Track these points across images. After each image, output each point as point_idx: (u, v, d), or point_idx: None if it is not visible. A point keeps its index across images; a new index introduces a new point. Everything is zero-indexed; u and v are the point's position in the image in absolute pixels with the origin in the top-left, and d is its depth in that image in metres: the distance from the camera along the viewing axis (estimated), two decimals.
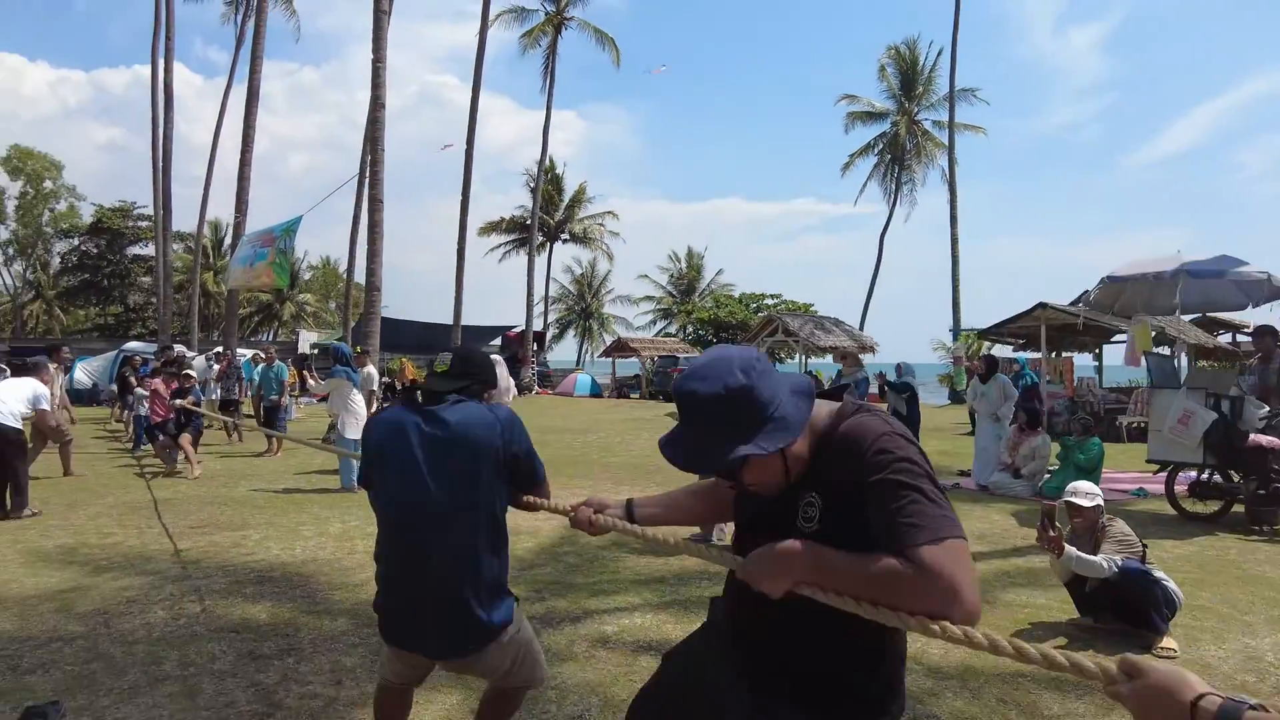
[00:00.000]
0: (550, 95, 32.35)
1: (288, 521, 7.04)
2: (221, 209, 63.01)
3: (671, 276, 51.14)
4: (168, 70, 20.76)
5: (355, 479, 8.59)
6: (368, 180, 12.68)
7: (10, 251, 50.75)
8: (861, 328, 31.62)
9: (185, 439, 9.58)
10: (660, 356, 29.58)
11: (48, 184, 50.11)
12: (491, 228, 48.51)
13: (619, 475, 10.11)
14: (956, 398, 25.54)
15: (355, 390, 8.82)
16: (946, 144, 37.04)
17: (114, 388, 15.71)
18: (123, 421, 13.66)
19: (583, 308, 54.11)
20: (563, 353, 62.75)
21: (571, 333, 55.42)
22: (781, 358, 36.78)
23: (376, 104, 12.81)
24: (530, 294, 34.25)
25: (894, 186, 37.96)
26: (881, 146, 37.93)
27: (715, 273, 51.07)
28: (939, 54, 36.28)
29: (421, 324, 28.36)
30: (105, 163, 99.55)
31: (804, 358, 25.06)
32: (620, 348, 32.35)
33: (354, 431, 8.65)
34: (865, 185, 38.69)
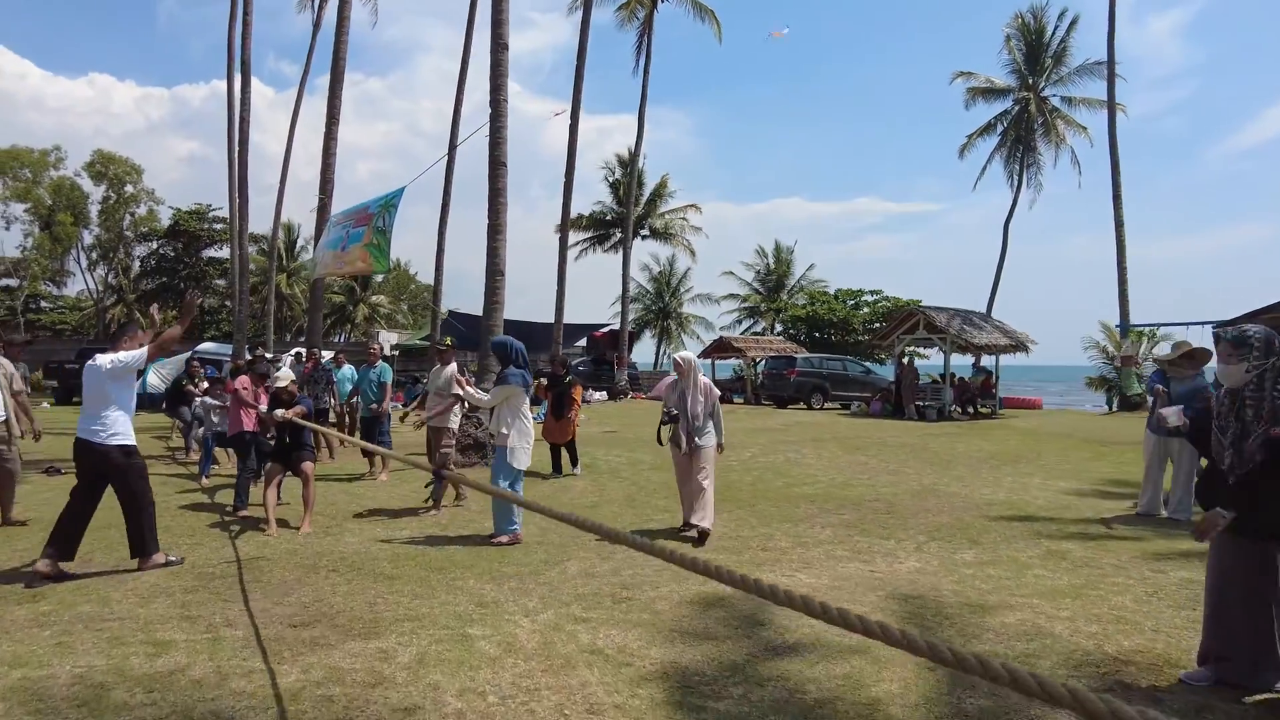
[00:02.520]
0: (646, 74, 29.67)
1: (443, 614, 4.44)
2: (293, 213, 62.27)
3: (758, 273, 48.06)
4: (244, 84, 20.02)
5: (518, 524, 6.01)
6: (489, 141, 10.16)
7: (94, 255, 50.73)
8: None
9: (308, 470, 6.79)
10: (771, 357, 26.64)
11: (129, 188, 49.92)
12: (569, 224, 46.22)
13: (836, 513, 7.34)
14: (1126, 404, 21.98)
15: (528, 401, 6.31)
16: (1079, 122, 33.27)
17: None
18: (185, 444, 11.40)
19: (660, 307, 51.44)
20: (639, 354, 60.37)
21: (649, 333, 52.84)
22: (918, 353, 33.56)
23: (499, 44, 10.31)
24: (626, 291, 31.86)
25: (1018, 169, 34.25)
26: (1005, 126, 34.27)
27: (806, 267, 47.81)
28: (1072, 23, 32.52)
29: (515, 322, 25.84)
30: (185, 173, 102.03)
31: (948, 357, 21.87)
32: (722, 348, 29.48)
33: (525, 459, 6.13)
34: (985, 168, 35.07)
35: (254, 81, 20.53)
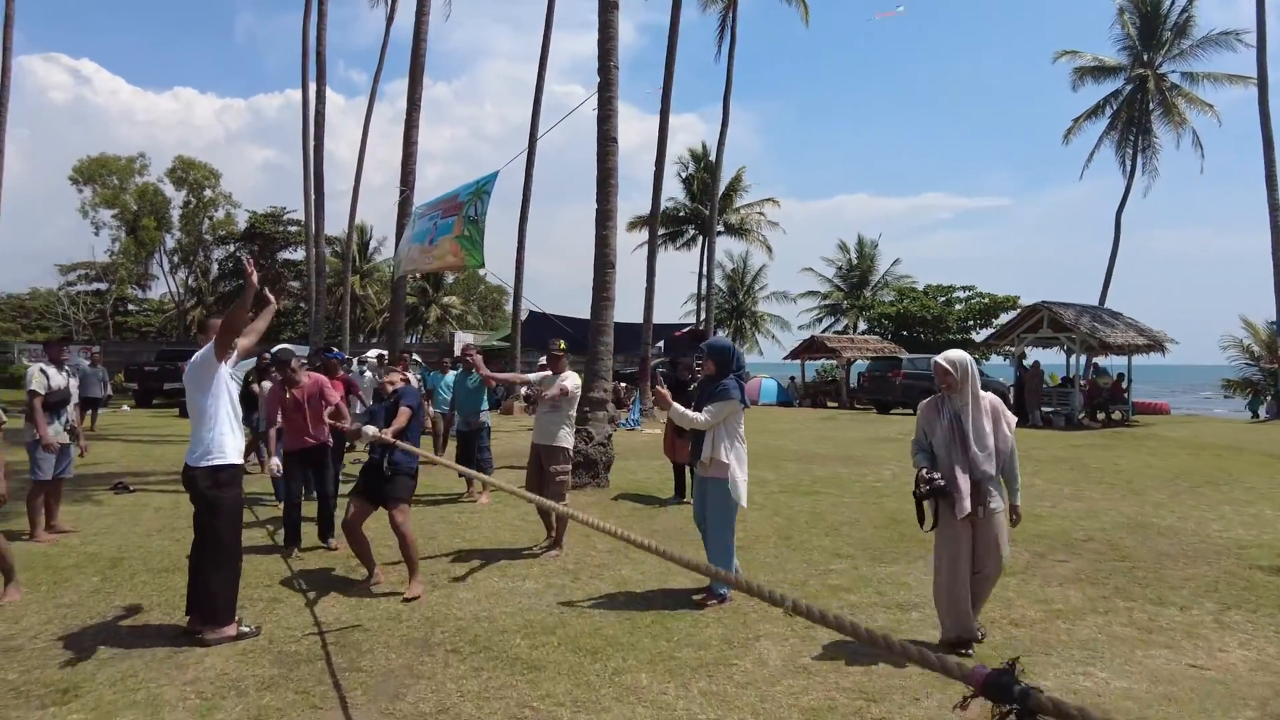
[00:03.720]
0: (731, 57, 27.87)
1: None
2: (366, 215, 62.78)
3: (839, 269, 45.84)
4: (319, 94, 19.87)
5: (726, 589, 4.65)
6: (598, 115, 8.85)
7: (175, 259, 51.70)
8: None
9: (403, 528, 5.01)
10: (873, 358, 24.78)
11: (207, 193, 50.74)
12: (640, 222, 44.94)
13: (1054, 558, 5.73)
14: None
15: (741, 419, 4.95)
16: (1202, 100, 30.33)
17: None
18: (257, 456, 9.33)
19: (734, 305, 49.68)
20: None
21: (722, 332, 51.11)
22: (1021, 349, 31.40)
23: (607, 3, 8.95)
24: (709, 287, 30.49)
25: (1131, 153, 31.46)
26: (1116, 107, 31.52)
27: (891, 262, 45.32)
28: None
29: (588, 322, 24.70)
30: (261, 180, 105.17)
31: (1080, 358, 19.77)
32: (813, 347, 27.70)
33: (744, 491, 4.79)
34: (1094, 153, 32.29)
35: (326, 89, 20.31)
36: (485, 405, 8.40)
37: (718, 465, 4.81)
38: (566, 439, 6.29)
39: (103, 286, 48.74)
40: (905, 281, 43.60)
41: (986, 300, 38.54)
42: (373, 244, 51.71)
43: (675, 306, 57.83)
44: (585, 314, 9.83)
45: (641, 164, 71.83)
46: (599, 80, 9.00)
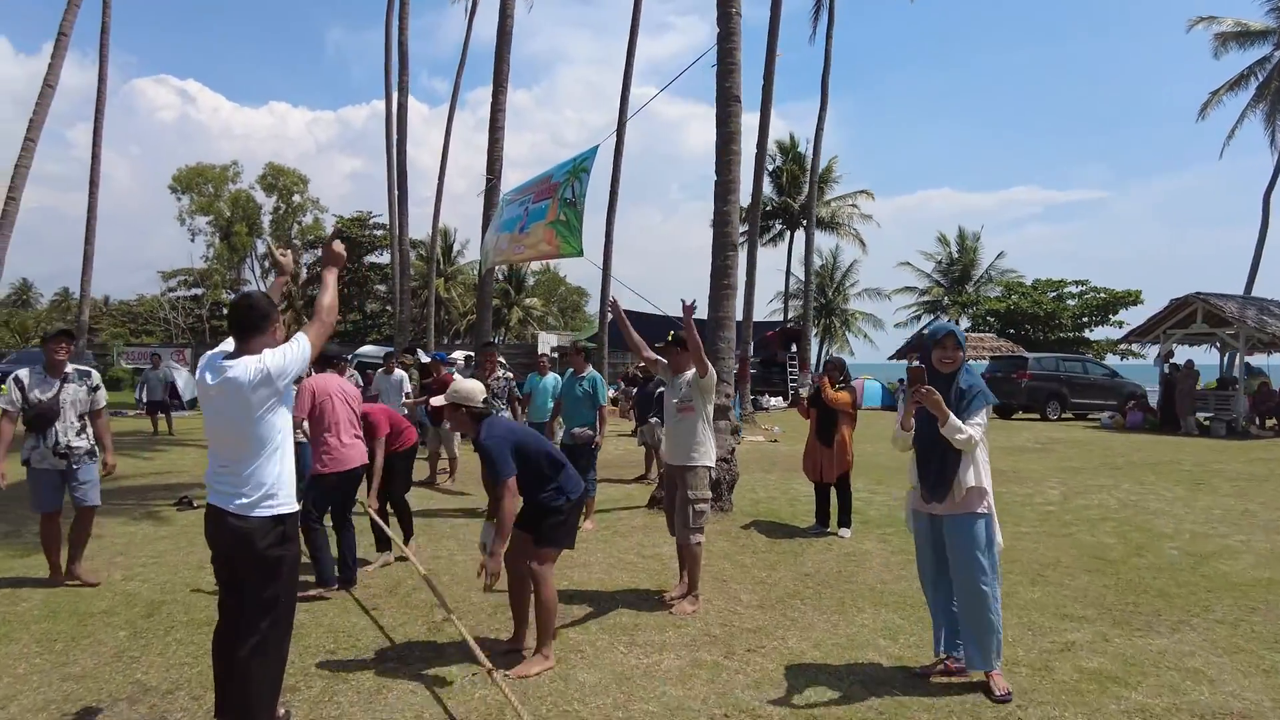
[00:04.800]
0: (829, 38, 25.88)
1: None
2: (449, 219, 63.23)
3: (939, 263, 43.08)
4: (402, 103, 19.82)
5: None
6: (717, 70, 7.47)
7: (266, 264, 52.87)
8: None
9: (546, 591, 3.80)
10: (994, 358, 22.60)
11: (296, 198, 51.75)
12: (758, 211, 43.31)
13: None
14: None
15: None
16: None
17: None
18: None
19: (823, 303, 47.44)
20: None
21: (811, 331, 48.93)
22: (1133, 351, 28.72)
23: None
24: (807, 279, 28.84)
25: None
26: (1264, 76, 28.22)
27: (995, 256, 42.26)
28: None
29: (677, 320, 23.16)
30: (349, 189, 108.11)
31: (1238, 357, 17.30)
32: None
33: (997, 529, 3.43)
34: (1235, 129, 29.01)
35: (409, 98, 20.18)
36: (597, 417, 7.06)
37: (975, 495, 3.45)
38: (704, 453, 4.92)
39: (199, 292, 50.18)
40: (1010, 276, 40.62)
41: (1104, 295, 35.47)
42: (456, 246, 51.77)
43: (760, 305, 55.80)
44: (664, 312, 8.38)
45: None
46: (718, 31, 7.61)
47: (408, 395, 10.14)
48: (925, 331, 4.01)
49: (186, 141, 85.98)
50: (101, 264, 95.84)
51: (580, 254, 8.78)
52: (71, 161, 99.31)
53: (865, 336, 46.37)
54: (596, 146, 9.01)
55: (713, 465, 4.98)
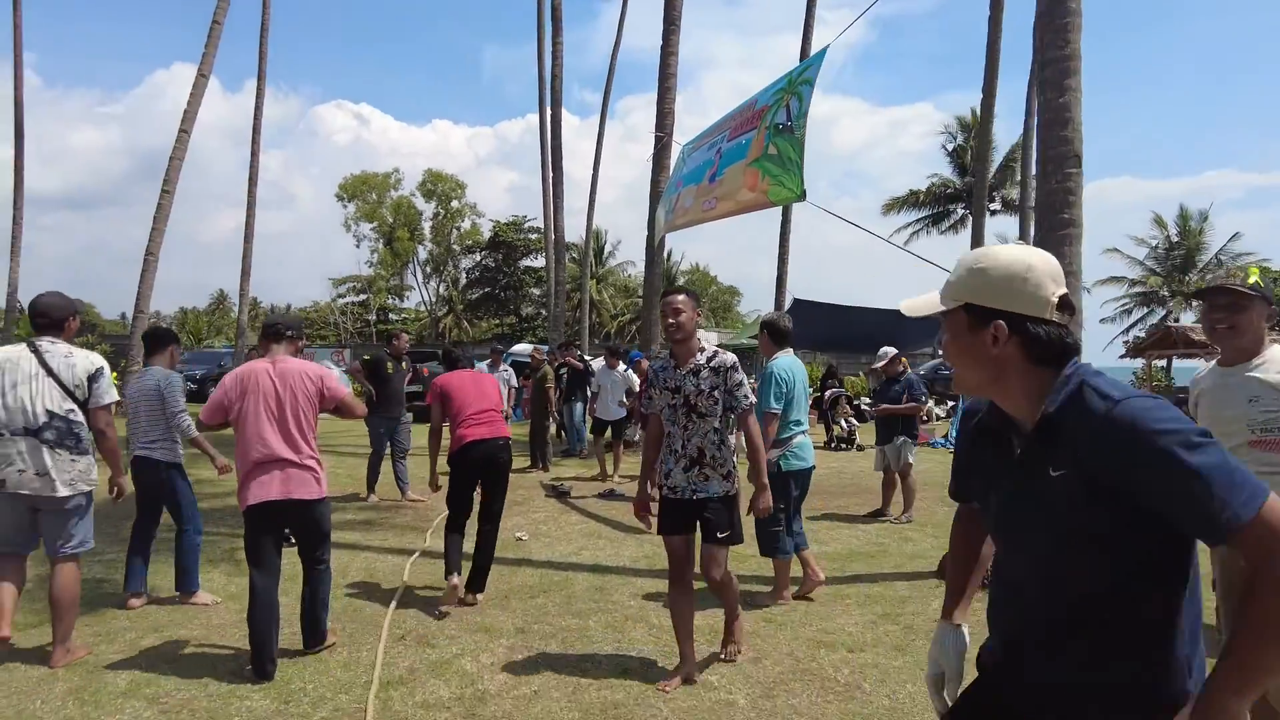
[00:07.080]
0: (999, 5, 22.20)
1: None
2: (600, 222, 63.01)
3: (1154, 249, 37.19)
4: (555, 116, 19.60)
5: None
6: None
7: (428, 269, 54.22)
8: None
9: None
10: None
11: (454, 204, 52.68)
12: (898, 204, 39.64)
13: None
14: None
15: None
16: None
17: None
18: None
19: None
20: None
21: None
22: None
23: None
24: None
25: None
26: None
27: (1229, 238, 35.77)
28: None
29: (873, 310, 20.12)
30: (507, 202, 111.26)
31: None
32: (1167, 342, 21.15)
33: None
34: None
35: (562, 110, 19.62)
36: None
37: None
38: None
39: (365, 297, 52.00)
40: (1249, 260, 34.36)
41: None
42: (607, 248, 50.94)
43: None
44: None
45: (872, 160, 65.72)
46: None
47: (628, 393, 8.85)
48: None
49: (359, 161, 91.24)
50: (287, 275, 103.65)
51: (800, 197, 6.53)
52: (267, 185, 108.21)
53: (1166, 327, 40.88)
54: (826, 48, 6.74)
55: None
